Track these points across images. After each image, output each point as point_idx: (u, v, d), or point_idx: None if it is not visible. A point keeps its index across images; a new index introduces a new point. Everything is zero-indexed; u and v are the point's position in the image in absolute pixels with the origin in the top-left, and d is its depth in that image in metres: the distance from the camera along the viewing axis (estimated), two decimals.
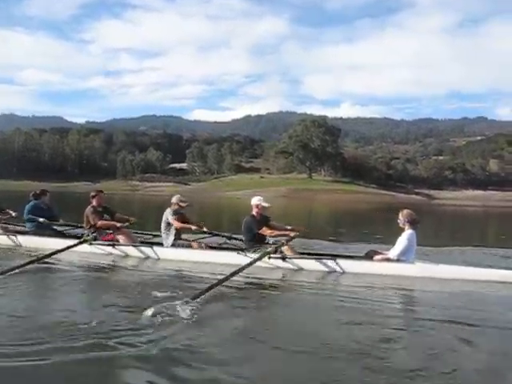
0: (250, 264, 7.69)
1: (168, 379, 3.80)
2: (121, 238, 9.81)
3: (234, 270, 7.15)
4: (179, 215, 9.69)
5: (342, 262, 8.28)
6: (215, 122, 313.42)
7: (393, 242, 8.41)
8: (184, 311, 5.34)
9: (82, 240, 9.57)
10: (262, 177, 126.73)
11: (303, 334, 4.88)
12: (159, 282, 7.24)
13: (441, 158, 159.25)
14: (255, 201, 9.42)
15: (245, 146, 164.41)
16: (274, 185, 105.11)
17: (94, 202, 10.12)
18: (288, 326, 5.27)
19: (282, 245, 8.67)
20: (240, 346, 4.58)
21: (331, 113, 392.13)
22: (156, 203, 45.21)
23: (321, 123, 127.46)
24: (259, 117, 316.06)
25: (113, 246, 9.70)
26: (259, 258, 8.09)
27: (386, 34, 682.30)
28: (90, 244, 9.62)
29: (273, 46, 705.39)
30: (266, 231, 9.13)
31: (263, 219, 9.36)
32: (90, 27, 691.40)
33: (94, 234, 9.79)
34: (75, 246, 9.39)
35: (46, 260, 8.42)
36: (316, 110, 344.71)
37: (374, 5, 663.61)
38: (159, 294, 6.05)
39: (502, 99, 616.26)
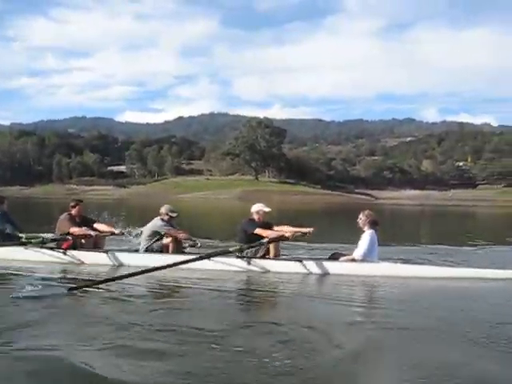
0: (191, 261, 7.73)
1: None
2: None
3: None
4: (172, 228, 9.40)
5: (307, 263, 8.37)
6: (147, 124, 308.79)
7: (356, 242, 8.60)
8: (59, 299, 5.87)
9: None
10: (207, 179, 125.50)
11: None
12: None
13: (374, 158, 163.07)
14: (256, 208, 9.26)
15: (182, 147, 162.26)
16: (223, 187, 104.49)
17: (73, 212, 9.79)
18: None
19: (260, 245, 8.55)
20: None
21: (263, 114, 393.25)
22: (99, 207, 43.91)
23: (267, 124, 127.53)
24: (191, 118, 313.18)
25: (64, 252, 9.24)
26: (207, 257, 8.07)
27: (317, 37, 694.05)
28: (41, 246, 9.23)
29: (203, 48, 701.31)
30: (263, 232, 8.73)
31: (265, 225, 9.10)
32: (12, 24, 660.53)
33: (49, 236, 9.49)
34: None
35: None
36: (248, 112, 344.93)
37: (305, 8, 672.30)
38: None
39: (428, 102, 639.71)
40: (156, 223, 9.41)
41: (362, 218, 8.71)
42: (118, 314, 5.42)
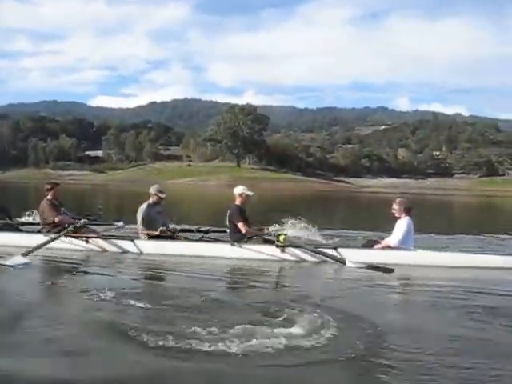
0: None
1: None
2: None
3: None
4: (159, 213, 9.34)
5: (343, 251, 8.19)
6: (120, 109, 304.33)
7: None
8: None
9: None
10: (189, 165, 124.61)
11: None
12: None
13: (350, 146, 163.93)
14: (239, 190, 9.19)
15: (159, 133, 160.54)
16: (206, 173, 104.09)
17: (50, 196, 9.44)
18: None
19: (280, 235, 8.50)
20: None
21: (236, 101, 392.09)
22: (78, 193, 43.61)
23: (250, 111, 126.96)
24: (164, 103, 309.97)
25: (86, 240, 8.99)
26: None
27: (291, 24, 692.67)
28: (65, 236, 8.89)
29: (176, 33, 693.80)
30: (243, 227, 8.82)
31: (244, 212, 9.18)
32: None
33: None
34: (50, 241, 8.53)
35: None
36: (221, 98, 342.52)
37: None
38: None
39: (400, 90, 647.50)
40: (141, 208, 9.22)
41: (396, 207, 8.59)
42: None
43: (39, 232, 9.36)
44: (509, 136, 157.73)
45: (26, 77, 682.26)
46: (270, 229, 8.92)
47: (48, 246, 8.30)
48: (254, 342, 4.02)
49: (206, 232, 9.75)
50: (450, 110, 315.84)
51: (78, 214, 10.47)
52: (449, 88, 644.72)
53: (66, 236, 8.77)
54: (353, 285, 6.73)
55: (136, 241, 8.91)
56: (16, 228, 9.91)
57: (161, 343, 4.02)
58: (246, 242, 8.59)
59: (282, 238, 8.27)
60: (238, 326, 4.36)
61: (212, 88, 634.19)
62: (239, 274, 7.81)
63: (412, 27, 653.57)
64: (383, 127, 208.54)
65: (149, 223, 9.06)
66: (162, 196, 9.34)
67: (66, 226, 8.96)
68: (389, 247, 8.31)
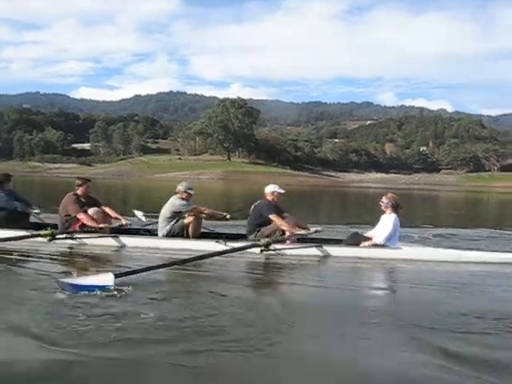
0: (225, 252, 7.38)
1: None
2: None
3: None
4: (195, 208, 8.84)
5: (328, 248, 8.10)
6: (104, 101, 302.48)
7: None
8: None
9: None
10: (180, 158, 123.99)
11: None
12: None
13: (336, 140, 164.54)
14: (271, 188, 8.95)
15: (146, 126, 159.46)
16: (198, 167, 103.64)
17: (79, 192, 8.97)
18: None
19: (279, 241, 8.19)
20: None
21: (221, 94, 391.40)
22: (72, 186, 43.11)
23: (241, 104, 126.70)
24: (149, 96, 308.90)
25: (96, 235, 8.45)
26: (243, 248, 7.62)
27: (276, 17, 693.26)
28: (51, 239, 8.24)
29: (161, 25, 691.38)
30: (279, 220, 8.48)
31: (278, 208, 8.87)
32: None
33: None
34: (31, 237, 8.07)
35: None
36: (206, 91, 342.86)
37: None
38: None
39: (385, 85, 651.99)
40: (175, 202, 8.85)
41: (384, 201, 8.49)
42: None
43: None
44: (492, 132, 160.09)
45: (8, 68, 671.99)
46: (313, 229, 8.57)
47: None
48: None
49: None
50: (434, 106, 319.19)
51: None
52: (433, 83, 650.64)
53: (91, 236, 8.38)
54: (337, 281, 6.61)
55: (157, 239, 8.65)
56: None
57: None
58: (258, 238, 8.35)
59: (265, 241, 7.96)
60: None
61: (197, 81, 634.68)
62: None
63: (395, 21, 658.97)
64: (369, 122, 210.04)
65: (173, 217, 8.83)
66: (192, 193, 8.99)
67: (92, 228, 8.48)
68: (375, 245, 8.22)
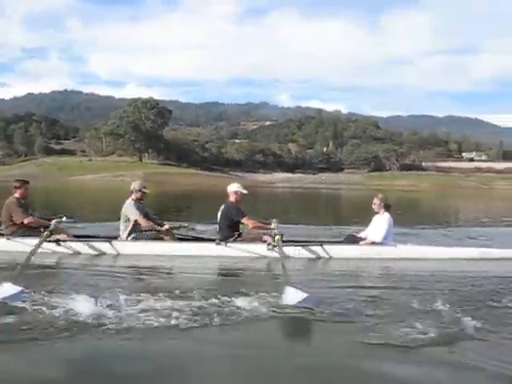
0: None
1: None
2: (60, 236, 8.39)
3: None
4: (144, 211, 8.78)
5: (329, 247, 8.41)
6: None
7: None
8: None
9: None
10: (90, 159, 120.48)
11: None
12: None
13: (238, 141, 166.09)
14: (234, 188, 8.91)
15: (47, 126, 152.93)
16: (110, 169, 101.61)
17: (18, 194, 8.51)
18: None
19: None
20: None
21: (117, 93, 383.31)
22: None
23: (152, 105, 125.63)
24: (43, 95, 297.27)
25: (56, 242, 8.18)
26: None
27: (174, 16, 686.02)
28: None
29: (54, 21, 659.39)
30: (249, 221, 8.64)
31: (241, 208, 8.87)
32: None
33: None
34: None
35: None
36: (101, 90, 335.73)
37: None
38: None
39: (280, 86, 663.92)
40: (126, 206, 8.73)
41: (376, 203, 8.82)
42: None
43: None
44: (387, 133, 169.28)
45: None
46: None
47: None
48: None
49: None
50: (329, 107, 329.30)
51: None
52: (329, 86, 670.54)
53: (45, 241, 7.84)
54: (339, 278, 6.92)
55: (114, 242, 8.41)
56: None
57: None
58: (235, 241, 8.42)
59: (277, 238, 8.04)
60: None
61: (93, 80, 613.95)
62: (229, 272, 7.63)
63: (290, 26, 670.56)
64: (268, 123, 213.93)
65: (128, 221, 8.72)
66: (146, 191, 8.87)
67: (42, 229, 8.13)
68: (373, 243, 8.61)
